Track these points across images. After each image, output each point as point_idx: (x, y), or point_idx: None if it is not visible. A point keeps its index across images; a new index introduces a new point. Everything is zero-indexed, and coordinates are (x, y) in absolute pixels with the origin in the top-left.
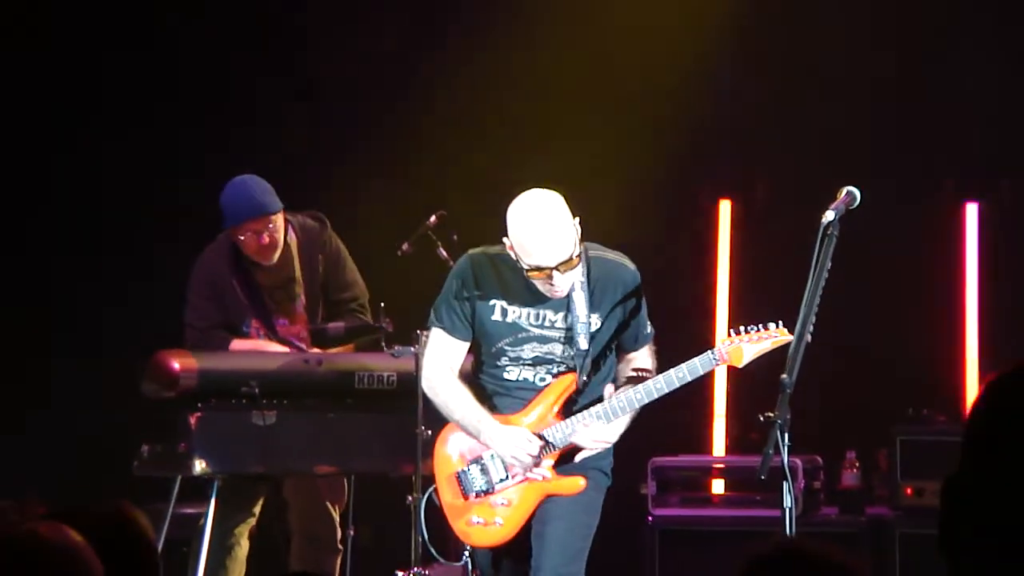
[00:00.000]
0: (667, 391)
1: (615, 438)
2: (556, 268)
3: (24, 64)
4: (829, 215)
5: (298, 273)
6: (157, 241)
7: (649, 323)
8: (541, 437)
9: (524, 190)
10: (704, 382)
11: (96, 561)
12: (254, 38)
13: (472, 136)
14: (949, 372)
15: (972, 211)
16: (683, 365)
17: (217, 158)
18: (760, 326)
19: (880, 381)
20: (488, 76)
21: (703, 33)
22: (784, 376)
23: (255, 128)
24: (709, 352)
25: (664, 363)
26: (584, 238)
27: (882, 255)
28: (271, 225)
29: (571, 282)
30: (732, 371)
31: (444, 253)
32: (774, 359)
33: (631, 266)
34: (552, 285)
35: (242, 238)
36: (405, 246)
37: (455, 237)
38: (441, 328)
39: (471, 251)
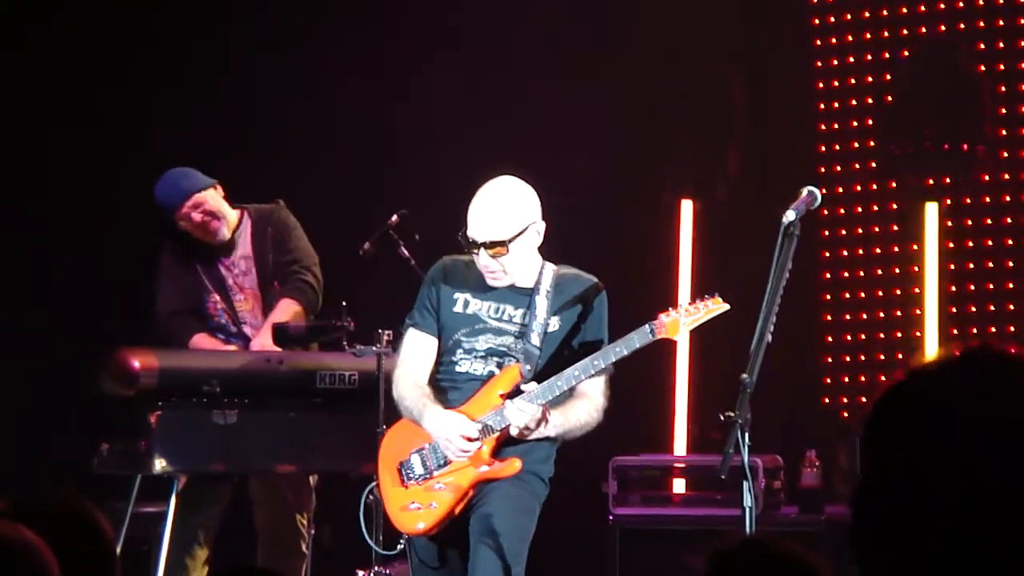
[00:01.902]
0: (603, 367)
1: (549, 432)
2: (482, 245)
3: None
4: (790, 215)
5: (250, 250)
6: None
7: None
8: (481, 422)
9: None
10: (665, 381)
11: (51, 559)
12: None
13: (436, 136)
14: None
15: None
16: (620, 340)
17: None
18: (697, 299)
19: (839, 379)
20: (456, 78)
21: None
22: (744, 375)
23: (219, 127)
24: (646, 325)
25: (620, 366)
26: (547, 238)
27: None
28: (204, 203)
29: (501, 271)
30: (693, 370)
31: (406, 252)
32: (737, 358)
33: (596, 281)
34: (483, 265)
35: (183, 223)
36: (367, 245)
37: (417, 237)
38: (412, 325)
39: (445, 256)
